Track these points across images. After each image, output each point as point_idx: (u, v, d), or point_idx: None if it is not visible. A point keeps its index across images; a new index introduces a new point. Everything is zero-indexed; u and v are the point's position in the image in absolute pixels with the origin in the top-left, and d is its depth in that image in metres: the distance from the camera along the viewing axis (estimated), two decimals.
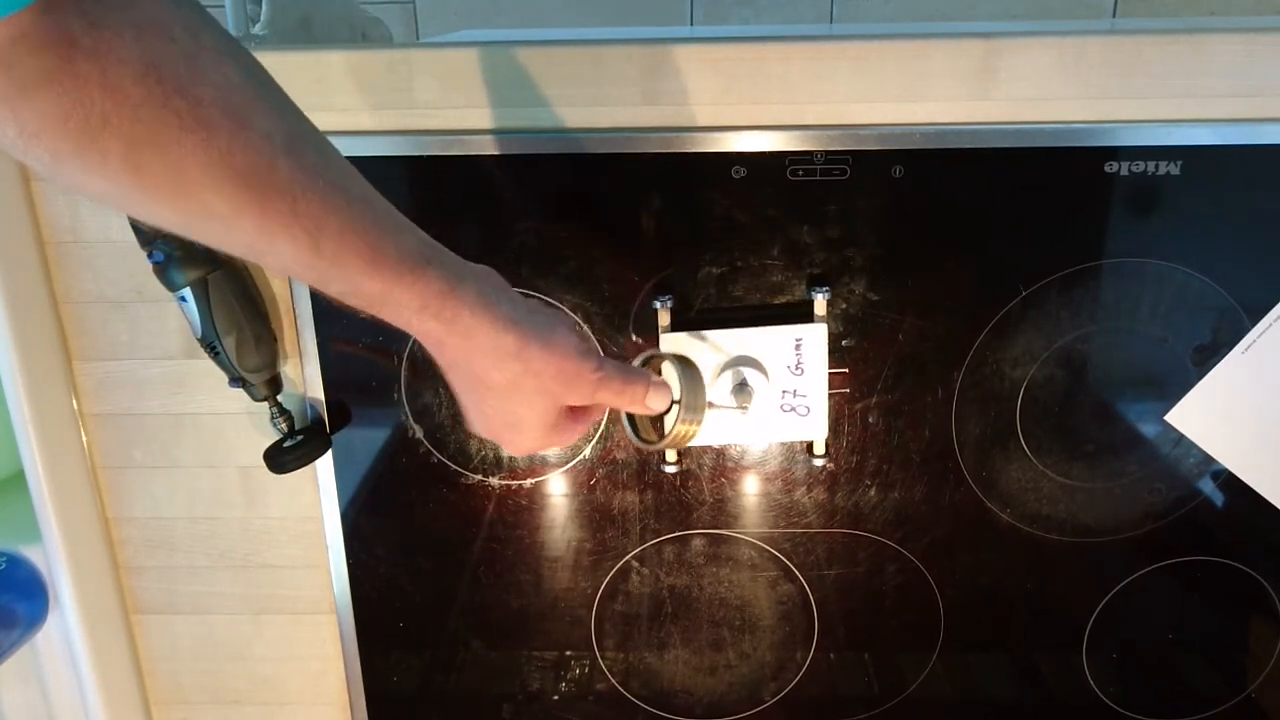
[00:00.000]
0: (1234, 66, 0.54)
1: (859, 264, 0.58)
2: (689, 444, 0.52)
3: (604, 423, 0.62)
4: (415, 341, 0.60)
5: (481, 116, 0.56)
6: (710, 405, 0.56)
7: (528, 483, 0.64)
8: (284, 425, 0.61)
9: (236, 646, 0.69)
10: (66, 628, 0.64)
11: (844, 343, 0.60)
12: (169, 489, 0.65)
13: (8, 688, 0.69)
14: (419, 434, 0.63)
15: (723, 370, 0.58)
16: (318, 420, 0.63)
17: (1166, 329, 0.59)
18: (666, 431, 0.49)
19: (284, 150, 0.35)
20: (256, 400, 0.60)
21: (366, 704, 0.69)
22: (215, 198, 0.34)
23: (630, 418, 0.53)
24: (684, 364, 0.50)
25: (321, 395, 0.62)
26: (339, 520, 0.65)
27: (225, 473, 0.65)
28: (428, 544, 0.65)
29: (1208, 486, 0.63)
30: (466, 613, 0.67)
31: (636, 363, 0.51)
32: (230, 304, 0.56)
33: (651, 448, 0.56)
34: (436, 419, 0.62)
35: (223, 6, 0.76)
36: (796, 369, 0.58)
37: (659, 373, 0.52)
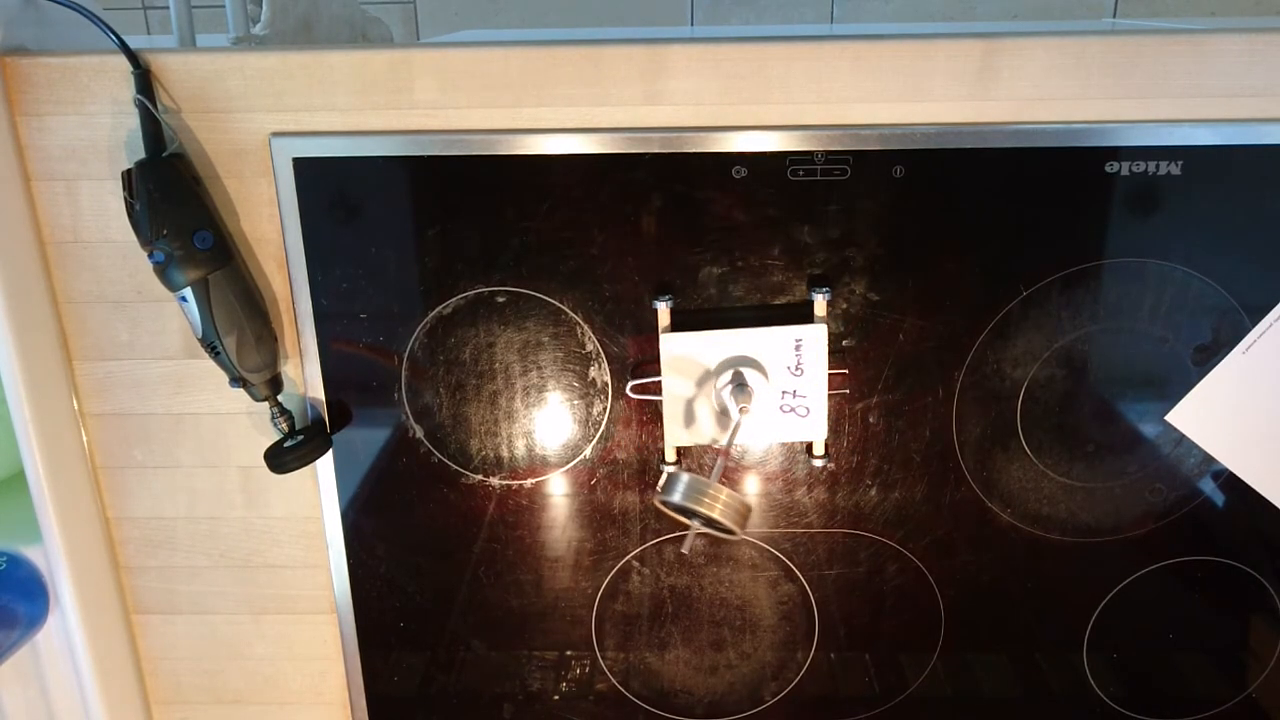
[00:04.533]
0: (1234, 66, 0.54)
1: (859, 264, 0.58)
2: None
3: (604, 423, 0.62)
4: (415, 341, 0.61)
5: (481, 116, 0.56)
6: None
7: (528, 483, 0.64)
8: (284, 425, 0.61)
9: (236, 646, 0.69)
10: (66, 628, 0.64)
11: (844, 343, 0.60)
12: (169, 489, 0.65)
13: (8, 688, 0.69)
14: (419, 434, 0.63)
15: (722, 370, 0.58)
16: (318, 420, 0.63)
17: (1167, 329, 0.59)
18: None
19: None
20: (257, 400, 0.60)
21: (366, 704, 0.69)
22: None
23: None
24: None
25: (322, 395, 0.62)
26: (339, 520, 0.65)
27: (226, 473, 0.65)
28: (428, 544, 0.65)
29: (1208, 486, 0.63)
30: (466, 613, 0.67)
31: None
32: (231, 304, 0.56)
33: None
34: (436, 419, 0.62)
35: (223, 6, 0.76)
36: (796, 369, 0.58)
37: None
